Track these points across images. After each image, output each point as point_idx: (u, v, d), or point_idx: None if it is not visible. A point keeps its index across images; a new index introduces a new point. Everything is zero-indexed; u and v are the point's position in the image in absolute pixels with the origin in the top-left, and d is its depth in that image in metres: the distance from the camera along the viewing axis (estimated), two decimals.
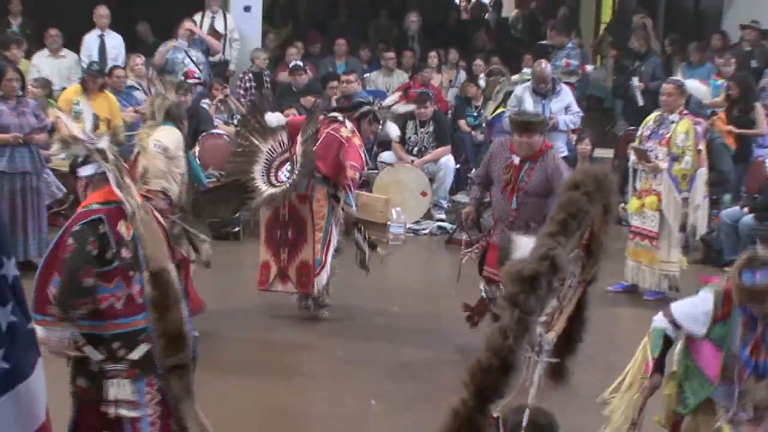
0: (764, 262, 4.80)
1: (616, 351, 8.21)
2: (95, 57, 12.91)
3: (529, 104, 11.43)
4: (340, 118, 8.74)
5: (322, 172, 8.47)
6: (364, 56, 14.92)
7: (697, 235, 9.91)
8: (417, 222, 12.08)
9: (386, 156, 12.59)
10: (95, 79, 11.43)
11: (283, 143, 8.71)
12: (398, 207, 11.48)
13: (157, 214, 5.11)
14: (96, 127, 10.80)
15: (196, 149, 11.31)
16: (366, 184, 11.83)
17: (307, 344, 8.44)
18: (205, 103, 12.49)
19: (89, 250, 4.71)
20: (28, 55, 12.55)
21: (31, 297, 4.45)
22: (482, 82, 13.54)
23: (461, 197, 12.44)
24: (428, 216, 12.28)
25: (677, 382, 5.36)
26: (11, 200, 9.22)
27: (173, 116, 7.96)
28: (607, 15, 18.91)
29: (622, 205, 9.50)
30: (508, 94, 12.26)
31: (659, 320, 5.30)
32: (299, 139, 8.42)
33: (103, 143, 4.88)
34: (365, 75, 14.12)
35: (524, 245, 7.06)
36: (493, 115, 12.75)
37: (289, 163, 8.58)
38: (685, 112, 9.56)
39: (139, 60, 12.69)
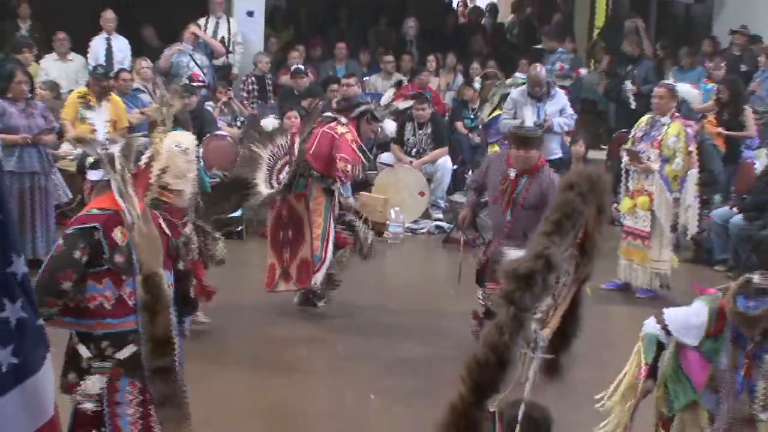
0: (759, 290, 4.78)
1: (609, 348, 8.22)
2: (102, 60, 12.91)
3: (525, 107, 11.44)
4: (338, 117, 8.80)
5: (318, 169, 8.50)
6: (364, 60, 14.93)
7: (687, 235, 9.92)
8: (415, 221, 12.08)
9: (385, 157, 12.59)
10: (100, 81, 11.45)
11: (283, 147, 8.74)
12: (397, 207, 11.50)
13: (161, 222, 5.13)
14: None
15: (200, 150, 11.31)
16: (367, 184, 11.85)
17: (308, 340, 8.45)
18: (209, 105, 12.49)
19: (76, 255, 4.73)
20: (37, 59, 12.54)
21: None
22: (476, 85, 13.55)
23: (458, 197, 12.46)
24: (426, 215, 12.27)
25: (664, 383, 5.35)
26: (20, 199, 9.22)
27: (181, 122, 8.02)
28: (600, 20, 18.90)
29: (615, 205, 9.50)
30: (504, 96, 12.27)
31: (652, 326, 5.27)
32: (296, 139, 8.46)
33: (114, 150, 4.93)
34: (365, 78, 14.12)
35: (513, 256, 7.10)
36: (490, 117, 12.76)
37: (288, 165, 8.62)
38: (676, 114, 9.57)
39: (144, 63, 12.70)
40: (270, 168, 8.72)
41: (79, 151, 5.13)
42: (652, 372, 5.28)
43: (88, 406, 4.79)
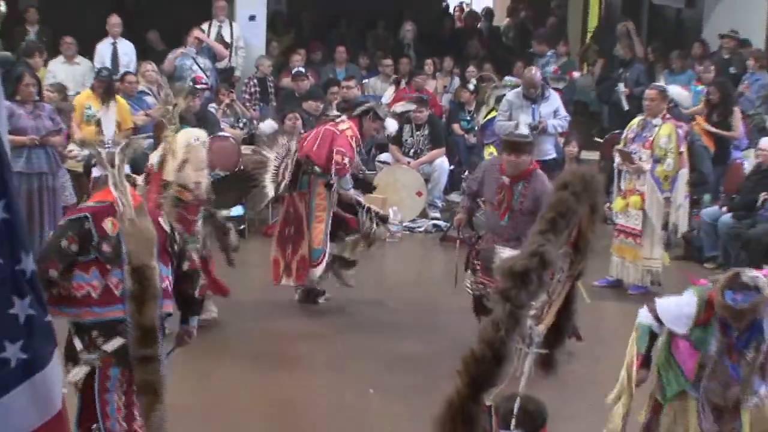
0: (745, 285, 4.83)
1: (602, 343, 8.23)
2: (108, 64, 12.92)
3: (520, 109, 11.45)
4: (340, 116, 8.87)
5: (320, 165, 8.55)
6: (363, 63, 14.92)
7: (678, 233, 9.92)
8: (413, 220, 12.08)
9: (384, 157, 12.60)
10: (105, 84, 11.50)
11: (285, 146, 8.77)
12: (395, 206, 11.49)
13: (162, 219, 5.14)
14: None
15: None
16: (371, 187, 11.85)
17: (308, 337, 8.45)
18: (212, 107, 12.48)
19: (63, 244, 4.83)
20: (44, 62, 12.54)
21: None
22: (471, 86, 13.55)
23: (455, 197, 12.45)
24: (424, 215, 12.28)
25: (657, 371, 5.37)
26: (28, 199, 9.21)
27: (187, 120, 8.11)
28: (593, 24, 18.90)
29: (608, 204, 9.50)
30: (499, 99, 12.27)
31: (645, 316, 5.31)
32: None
33: (116, 149, 5.01)
34: (364, 81, 14.11)
35: (506, 256, 7.13)
36: (486, 119, 12.75)
37: (290, 165, 8.67)
38: (667, 116, 9.58)
39: (149, 66, 12.69)
40: (276, 169, 8.77)
41: (86, 152, 5.19)
42: (646, 361, 5.30)
43: (64, 390, 4.85)
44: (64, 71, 12.72)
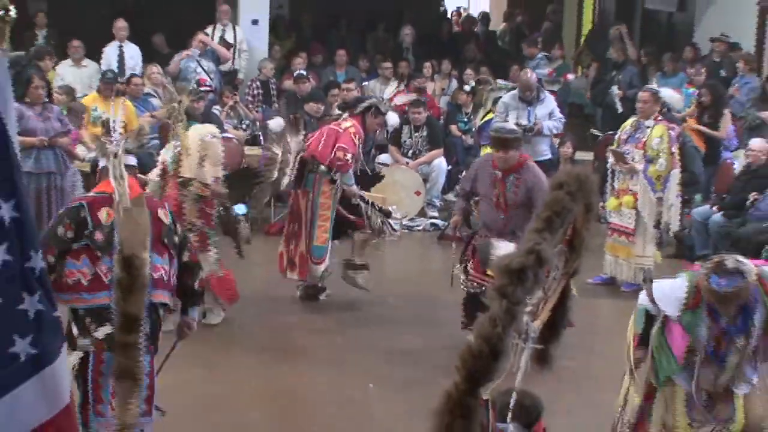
0: (730, 271, 4.84)
1: (595, 338, 8.24)
2: (114, 66, 12.92)
3: (516, 111, 11.44)
4: (344, 115, 8.95)
5: (324, 163, 8.59)
6: (363, 66, 14.91)
7: (670, 232, 9.91)
8: (412, 219, 12.07)
9: (383, 158, 12.60)
10: (110, 86, 11.53)
11: (291, 144, 8.80)
12: (394, 205, 11.46)
13: (162, 210, 5.15)
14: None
15: None
16: (380, 178, 11.83)
17: (310, 332, 8.45)
18: (216, 109, 12.48)
19: (59, 231, 4.93)
20: (53, 65, 12.56)
21: None
22: (467, 88, 13.53)
23: (453, 196, 12.44)
24: (422, 213, 12.28)
25: (652, 354, 5.38)
26: (37, 198, 9.20)
27: (195, 117, 8.18)
28: (587, 28, 18.90)
29: (602, 203, 9.50)
30: (497, 101, 12.26)
31: (642, 298, 5.34)
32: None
33: (120, 144, 5.07)
34: (364, 83, 14.10)
35: (502, 248, 7.15)
36: (483, 121, 12.74)
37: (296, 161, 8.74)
38: (659, 118, 9.57)
39: (155, 69, 12.70)
40: (282, 164, 8.81)
41: (92, 154, 5.27)
42: (643, 342, 5.32)
43: None
44: (72, 74, 12.73)
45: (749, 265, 4.89)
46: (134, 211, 4.88)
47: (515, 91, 11.75)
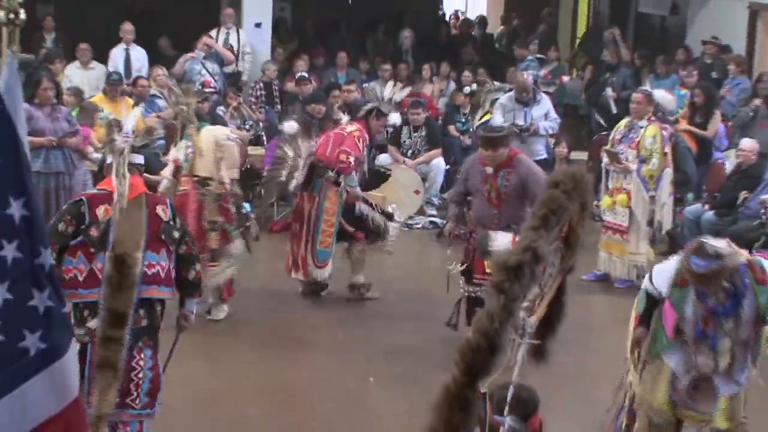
0: (708, 253, 4.94)
1: (590, 333, 8.25)
2: (121, 69, 12.94)
3: (513, 112, 11.45)
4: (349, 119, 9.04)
5: (331, 166, 8.61)
6: (363, 68, 14.90)
7: (662, 230, 9.92)
8: (411, 217, 12.06)
9: (383, 158, 12.60)
10: (115, 87, 11.56)
11: (302, 147, 8.81)
12: (394, 204, 11.45)
13: (162, 207, 5.15)
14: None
15: None
16: (386, 177, 11.86)
17: (311, 327, 8.46)
18: (220, 110, 12.46)
19: (60, 227, 4.96)
20: (63, 67, 12.58)
21: None
22: (468, 90, 13.52)
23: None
24: (421, 212, 12.28)
25: (653, 334, 5.45)
26: (46, 197, 9.19)
27: (204, 117, 8.22)
28: (582, 31, 18.88)
29: (596, 202, 9.50)
30: (494, 102, 12.26)
31: (645, 280, 5.50)
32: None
33: (127, 142, 5.09)
34: (364, 85, 14.06)
35: (499, 239, 7.16)
36: (481, 121, 12.74)
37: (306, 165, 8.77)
38: (652, 118, 9.57)
39: (160, 71, 12.69)
40: (292, 165, 8.81)
41: (98, 155, 5.31)
42: (643, 322, 5.39)
43: None
44: (80, 76, 12.74)
45: (727, 250, 4.99)
46: (131, 210, 4.90)
47: (512, 93, 11.77)
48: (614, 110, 13.35)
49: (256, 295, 8.91)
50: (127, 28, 13.34)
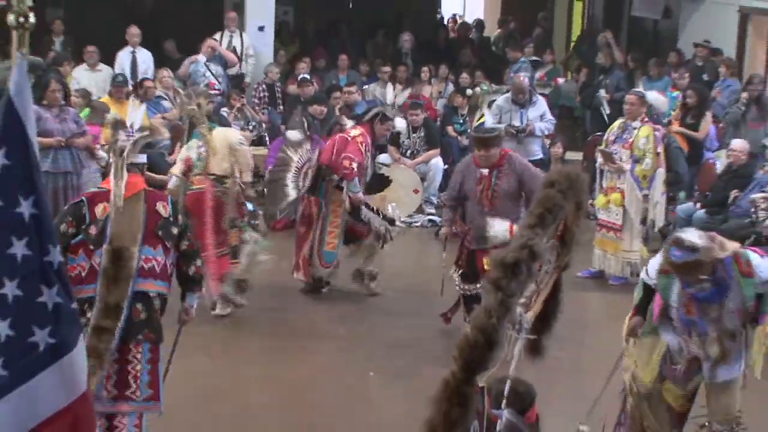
0: (685, 246, 4.99)
1: (585, 329, 8.25)
2: (127, 71, 12.96)
3: (509, 113, 11.45)
4: (353, 124, 9.05)
5: (335, 171, 8.61)
6: (364, 70, 14.90)
7: (655, 228, 9.93)
8: (410, 216, 12.05)
9: (383, 158, 12.58)
10: (120, 89, 11.58)
11: (309, 152, 8.82)
12: (393, 203, 11.45)
13: (160, 208, 5.16)
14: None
15: None
16: (388, 181, 11.84)
17: (313, 323, 8.46)
18: (224, 111, 12.48)
19: (62, 228, 4.97)
20: (71, 70, 12.59)
21: None
22: (469, 92, 13.52)
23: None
24: (420, 211, 12.27)
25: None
26: (54, 197, 9.19)
27: (214, 119, 8.24)
28: (576, 34, 18.87)
29: (591, 201, 9.51)
30: (491, 103, 12.25)
31: (642, 272, 5.59)
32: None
33: (128, 141, 5.12)
34: (364, 87, 14.09)
35: (497, 225, 7.17)
36: (479, 122, 12.73)
37: (311, 171, 8.75)
38: (645, 119, 9.57)
39: (166, 73, 12.71)
40: (297, 170, 8.81)
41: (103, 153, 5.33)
42: (640, 312, 5.45)
43: None
44: (87, 78, 12.74)
45: (704, 243, 5.02)
46: (129, 206, 4.91)
47: (509, 94, 11.77)
48: (608, 111, 13.34)
49: (259, 292, 8.89)
50: (134, 31, 13.35)
